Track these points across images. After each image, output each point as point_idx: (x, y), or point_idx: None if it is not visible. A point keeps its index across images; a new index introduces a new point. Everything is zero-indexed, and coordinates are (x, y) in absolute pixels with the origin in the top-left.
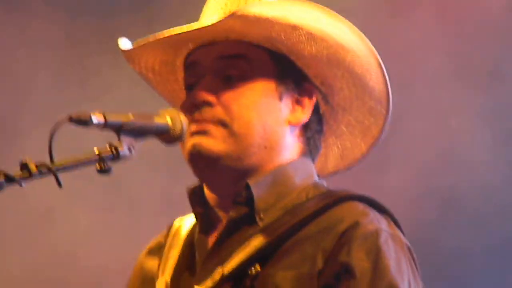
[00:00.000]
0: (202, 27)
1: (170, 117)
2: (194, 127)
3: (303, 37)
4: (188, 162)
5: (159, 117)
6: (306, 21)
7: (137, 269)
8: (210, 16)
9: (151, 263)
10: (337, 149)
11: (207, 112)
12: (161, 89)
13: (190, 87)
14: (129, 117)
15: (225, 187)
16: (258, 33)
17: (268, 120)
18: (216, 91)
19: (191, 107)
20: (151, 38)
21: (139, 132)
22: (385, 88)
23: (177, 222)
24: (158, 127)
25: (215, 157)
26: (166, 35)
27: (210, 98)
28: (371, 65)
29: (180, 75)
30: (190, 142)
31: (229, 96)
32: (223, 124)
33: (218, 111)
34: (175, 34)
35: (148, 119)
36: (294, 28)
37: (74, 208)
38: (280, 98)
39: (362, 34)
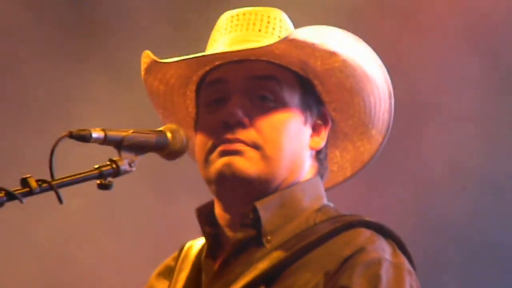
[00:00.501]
0: (256, 48)
1: (170, 132)
2: (226, 147)
3: (337, 64)
4: (215, 181)
5: (159, 133)
6: (342, 49)
7: None
8: (228, 35)
9: (161, 286)
10: None
11: (240, 133)
12: (163, 103)
13: (212, 103)
14: (128, 133)
15: (243, 207)
16: (296, 57)
17: (296, 144)
18: (248, 112)
19: (223, 126)
20: (194, 54)
21: (139, 147)
22: (389, 118)
23: (187, 245)
24: (158, 142)
25: (248, 179)
26: (212, 54)
27: (244, 119)
28: (385, 95)
29: (190, 89)
30: (221, 161)
31: (261, 118)
32: (256, 146)
33: (251, 133)
34: (222, 53)
35: (148, 134)
36: (332, 54)
37: (97, 231)
38: (305, 123)
39: (381, 63)
